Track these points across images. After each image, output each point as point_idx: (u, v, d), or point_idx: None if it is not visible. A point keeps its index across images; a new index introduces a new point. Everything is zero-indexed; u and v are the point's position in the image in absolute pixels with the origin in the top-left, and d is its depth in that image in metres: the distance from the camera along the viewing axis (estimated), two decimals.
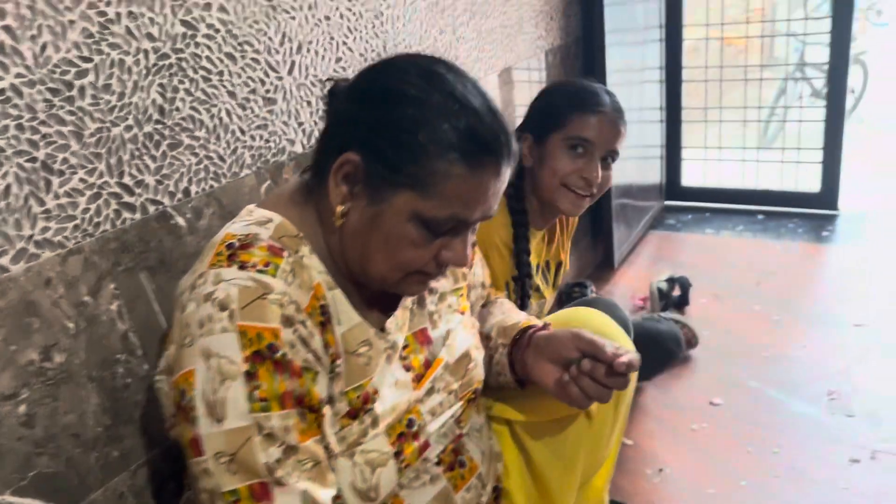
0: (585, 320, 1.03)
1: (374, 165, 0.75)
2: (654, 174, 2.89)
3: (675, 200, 3.01)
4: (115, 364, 0.90)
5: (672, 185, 3.00)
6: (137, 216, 0.92)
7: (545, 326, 1.01)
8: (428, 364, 0.90)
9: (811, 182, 2.79)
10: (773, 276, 2.35)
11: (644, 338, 1.58)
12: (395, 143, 0.74)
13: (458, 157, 0.73)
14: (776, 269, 2.39)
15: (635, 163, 2.63)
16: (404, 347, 0.88)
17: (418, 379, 0.88)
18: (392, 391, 0.84)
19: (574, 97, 1.30)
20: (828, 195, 2.75)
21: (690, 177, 3.03)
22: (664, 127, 2.89)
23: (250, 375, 0.69)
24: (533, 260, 1.38)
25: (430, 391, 0.89)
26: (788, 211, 2.81)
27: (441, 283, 0.97)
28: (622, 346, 0.88)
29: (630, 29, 2.47)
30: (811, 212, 2.78)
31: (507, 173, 0.79)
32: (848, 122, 2.74)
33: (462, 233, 0.79)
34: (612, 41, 2.19)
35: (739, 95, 2.95)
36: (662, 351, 1.80)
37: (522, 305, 1.36)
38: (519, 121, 1.41)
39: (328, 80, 0.83)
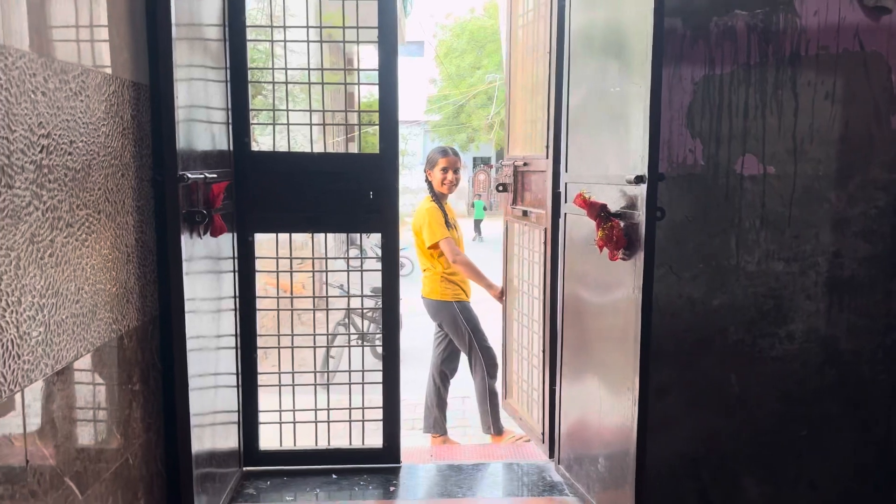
0: None
1: None
2: (232, 440, 2.83)
3: (254, 466, 2.97)
4: None
5: (250, 450, 2.97)
6: None
7: None
8: None
9: (376, 438, 3.07)
10: None
11: None
12: None
13: None
14: None
15: (212, 429, 2.56)
16: None
17: None
18: None
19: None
20: (390, 450, 3.04)
21: (267, 440, 3.05)
22: (240, 392, 2.90)
23: None
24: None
25: None
26: (359, 467, 3.01)
27: None
28: None
29: (207, 298, 2.52)
30: (378, 466, 3.02)
31: None
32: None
33: None
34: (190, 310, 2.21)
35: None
36: None
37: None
38: None
39: None
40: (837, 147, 2.60)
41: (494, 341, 4.07)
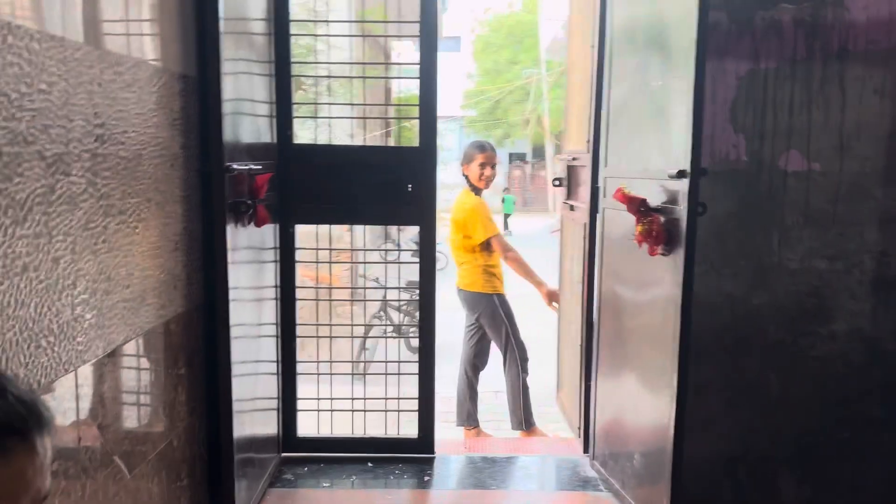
0: None
1: None
2: (271, 426, 2.89)
3: (292, 452, 3.02)
4: None
5: (288, 437, 3.02)
6: None
7: None
8: None
9: (410, 429, 3.10)
10: None
11: None
12: None
13: None
14: None
15: (252, 415, 2.62)
16: None
17: None
18: None
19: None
20: (424, 441, 3.06)
21: (305, 428, 3.10)
22: (280, 379, 2.96)
23: None
24: None
25: None
26: (394, 457, 3.04)
27: None
28: None
29: (250, 287, 2.57)
30: (413, 456, 3.05)
31: (45, 445, 0.71)
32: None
33: None
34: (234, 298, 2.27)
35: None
36: None
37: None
38: None
39: None
40: (886, 143, 2.54)
41: (527, 336, 4.07)
